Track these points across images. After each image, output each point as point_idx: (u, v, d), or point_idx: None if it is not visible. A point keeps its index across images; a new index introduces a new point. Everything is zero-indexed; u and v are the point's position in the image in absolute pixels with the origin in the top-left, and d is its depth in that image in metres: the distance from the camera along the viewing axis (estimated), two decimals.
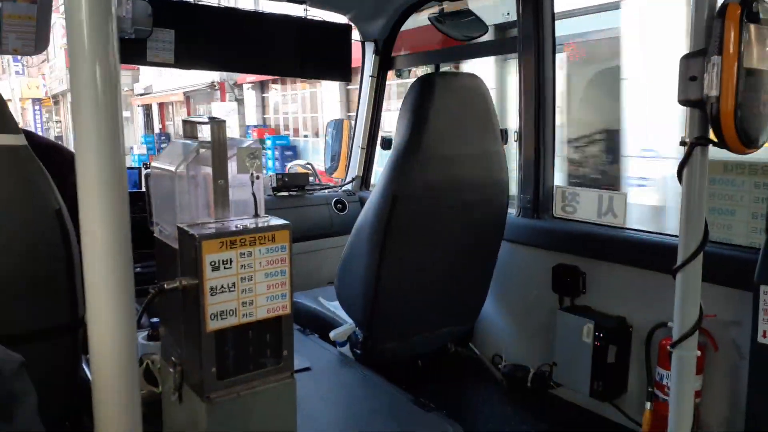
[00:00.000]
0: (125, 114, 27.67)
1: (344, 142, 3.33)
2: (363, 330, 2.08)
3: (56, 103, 33.47)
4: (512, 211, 2.46)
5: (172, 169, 1.16)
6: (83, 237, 0.76)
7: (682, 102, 1.07)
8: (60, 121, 33.61)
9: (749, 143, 1.02)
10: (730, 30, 0.98)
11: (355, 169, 3.32)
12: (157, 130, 27.45)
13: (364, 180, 3.31)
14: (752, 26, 1.00)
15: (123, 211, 0.75)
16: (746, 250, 1.76)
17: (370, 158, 3.30)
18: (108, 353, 0.76)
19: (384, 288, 1.98)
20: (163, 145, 21.97)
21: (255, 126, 19.21)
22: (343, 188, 3.31)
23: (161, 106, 27.78)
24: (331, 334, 2.11)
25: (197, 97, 23.38)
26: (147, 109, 29.47)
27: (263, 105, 20.87)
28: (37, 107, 34.22)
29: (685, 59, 1.05)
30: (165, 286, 1.13)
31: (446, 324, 2.32)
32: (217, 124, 1.15)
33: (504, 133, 2.26)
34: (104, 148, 0.72)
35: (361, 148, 3.27)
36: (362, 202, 3.03)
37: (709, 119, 1.03)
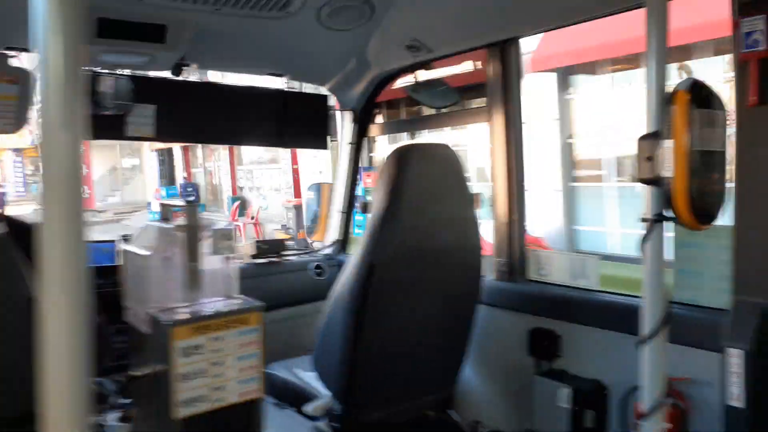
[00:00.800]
0: (133, 162, 24.93)
1: (324, 204, 3.36)
2: (341, 402, 2.05)
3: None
4: (488, 274, 2.48)
5: (145, 253, 1.18)
6: (44, 317, 0.75)
7: (641, 180, 1.12)
8: None
9: (703, 220, 1.07)
10: (679, 115, 1.04)
11: (334, 234, 3.34)
12: (181, 180, 23.37)
13: (343, 244, 3.33)
14: (699, 111, 1.06)
15: (84, 288, 0.75)
16: (716, 311, 1.79)
17: (348, 222, 3.33)
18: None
19: (362, 357, 1.97)
20: (190, 198, 19.95)
21: (366, 169, 16.44)
22: (323, 252, 3.32)
23: (186, 150, 23.46)
24: (307, 408, 2.08)
25: None
26: (164, 154, 24.79)
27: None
28: (18, 158, 27.76)
29: (642, 140, 1.11)
30: (135, 373, 1.13)
31: (426, 391, 2.30)
32: (191, 208, 1.18)
33: (477, 198, 2.31)
34: (68, 222, 0.73)
35: (341, 213, 3.30)
36: (341, 266, 3.03)
37: (665, 198, 1.07)
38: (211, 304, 1.17)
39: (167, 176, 24.37)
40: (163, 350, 1.07)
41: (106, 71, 2.22)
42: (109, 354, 1.51)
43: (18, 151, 27.71)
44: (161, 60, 2.24)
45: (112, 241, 2.47)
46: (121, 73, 2.27)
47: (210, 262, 1.21)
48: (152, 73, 2.42)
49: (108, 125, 2.25)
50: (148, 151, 24.84)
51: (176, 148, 23.00)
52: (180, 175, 23.67)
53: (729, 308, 1.65)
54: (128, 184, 22.83)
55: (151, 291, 1.18)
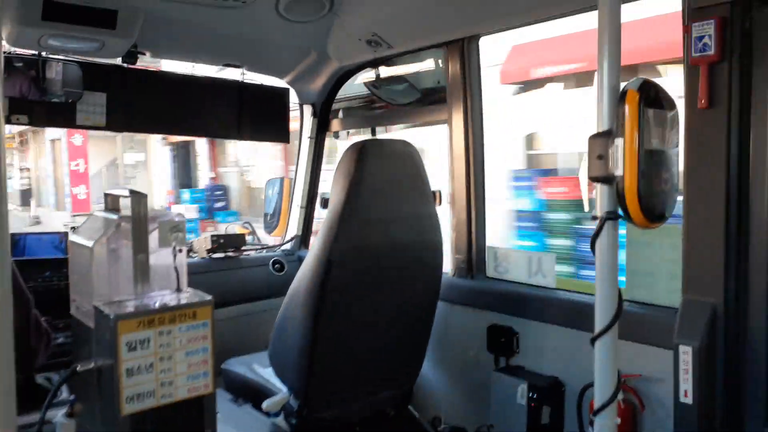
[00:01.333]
0: (137, 157, 20.38)
1: (284, 200, 3.32)
2: (298, 398, 2.03)
3: (23, 143, 25.71)
4: (447, 271, 2.49)
5: (89, 244, 1.13)
6: None
7: (592, 179, 1.13)
8: (28, 169, 25.46)
9: (653, 218, 1.08)
10: (630, 114, 1.05)
11: (294, 229, 3.31)
12: (207, 180, 19.10)
13: (304, 239, 3.30)
14: (650, 110, 1.07)
15: (4, 286, 0.71)
16: (667, 310, 1.83)
17: (309, 217, 3.30)
18: None
19: (319, 354, 1.95)
20: (218, 204, 16.87)
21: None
22: (282, 248, 3.28)
23: (212, 144, 18.78)
24: (264, 405, 2.05)
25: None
26: (178, 148, 20.21)
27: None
28: None
29: (593, 139, 1.12)
30: (78, 368, 1.08)
31: (385, 388, 2.30)
32: (138, 198, 1.14)
33: (437, 195, 2.31)
34: None
35: (301, 207, 3.27)
36: (301, 261, 3.00)
37: (616, 195, 1.09)
38: (159, 298, 1.13)
39: (182, 176, 20.20)
40: (108, 344, 1.04)
41: (54, 57, 2.14)
42: (47, 348, 1.45)
43: None
44: (112, 47, 2.18)
45: (64, 233, 2.39)
46: (70, 58, 2.19)
47: (158, 255, 1.17)
48: (103, 60, 2.34)
49: (58, 112, 2.18)
50: (158, 145, 20.37)
51: (200, 142, 18.65)
52: (205, 175, 19.47)
53: (679, 307, 1.69)
54: (130, 183, 17.95)
55: (97, 283, 1.14)
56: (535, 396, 2.09)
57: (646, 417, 1.87)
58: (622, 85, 1.11)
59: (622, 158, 1.05)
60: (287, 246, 3.29)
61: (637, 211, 1.05)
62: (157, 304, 1.10)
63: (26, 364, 1.38)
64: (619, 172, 1.06)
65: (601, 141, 1.09)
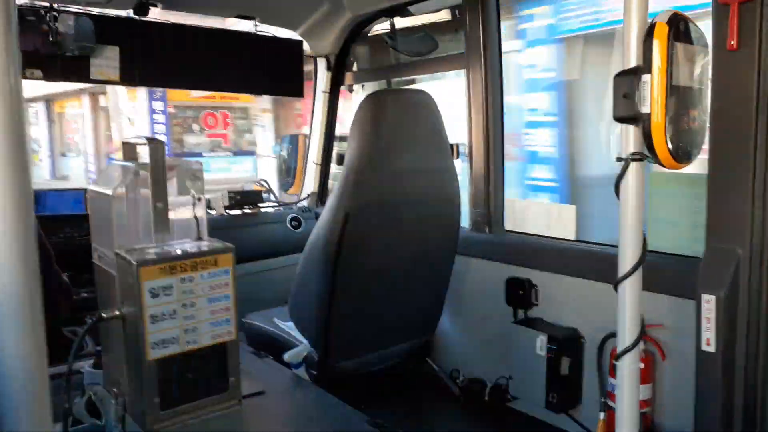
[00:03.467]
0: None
1: (299, 157, 3.31)
2: (318, 350, 2.05)
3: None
4: (465, 225, 2.48)
5: (109, 192, 1.13)
6: None
7: (617, 119, 1.10)
8: None
9: (680, 158, 1.05)
10: (658, 49, 1.01)
11: (310, 186, 3.30)
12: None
13: (320, 196, 3.30)
14: (680, 45, 1.03)
15: (29, 240, 0.71)
16: (689, 259, 1.81)
17: (325, 174, 3.28)
18: (15, 395, 0.72)
19: (338, 306, 1.97)
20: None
21: None
22: (299, 205, 3.28)
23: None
24: (285, 356, 2.08)
25: None
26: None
27: None
28: None
29: (618, 77, 1.08)
30: (103, 314, 1.09)
31: (403, 340, 2.32)
32: (155, 145, 1.13)
33: (455, 148, 2.28)
34: (7, 177, 0.68)
35: (316, 164, 3.26)
36: (318, 218, 3.00)
37: (642, 135, 1.06)
38: (180, 246, 1.13)
39: None
40: (131, 291, 1.04)
41: (66, 8, 2.12)
42: (67, 301, 1.47)
43: None
44: None
45: (84, 189, 2.41)
46: (82, 10, 2.16)
47: (178, 203, 1.17)
48: (116, 13, 2.31)
49: (71, 67, 2.17)
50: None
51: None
52: None
53: (702, 256, 1.66)
54: None
55: (117, 231, 1.13)
56: (554, 347, 2.10)
57: (667, 366, 1.87)
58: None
59: (649, 95, 1.02)
60: (303, 203, 3.29)
61: (664, 150, 1.02)
62: (178, 252, 1.10)
63: (48, 317, 1.40)
64: (645, 110, 1.02)
65: (627, 79, 1.06)
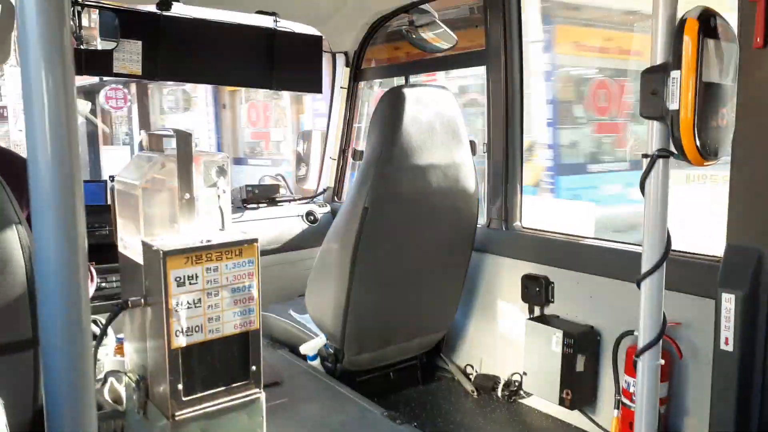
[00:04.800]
0: None
1: (317, 153, 3.32)
2: (334, 343, 2.06)
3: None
4: (482, 221, 2.48)
5: (137, 183, 1.14)
6: (36, 252, 0.73)
7: (644, 116, 1.09)
8: None
9: (708, 155, 1.05)
10: (688, 45, 1.01)
11: (326, 181, 3.31)
12: None
13: (336, 191, 3.31)
14: (710, 41, 1.03)
15: (78, 225, 0.72)
16: (710, 258, 1.80)
17: (342, 169, 3.29)
18: (61, 373, 0.73)
19: (355, 300, 1.98)
20: None
21: None
22: (315, 199, 3.30)
23: None
24: (301, 348, 2.09)
25: None
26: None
27: None
28: None
29: (646, 74, 1.08)
30: (128, 302, 1.11)
31: (418, 335, 2.32)
32: (183, 137, 1.14)
33: (473, 145, 2.28)
34: (58, 160, 0.70)
35: (333, 159, 3.27)
36: (334, 213, 3.01)
37: (670, 132, 1.05)
38: (205, 236, 1.14)
39: None
40: (157, 279, 1.05)
41: (90, 3, 2.14)
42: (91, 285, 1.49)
43: None
44: None
45: (104, 181, 2.43)
46: (106, 4, 2.19)
47: (203, 194, 1.18)
48: (139, 7, 2.33)
49: (95, 60, 2.19)
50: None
51: None
52: None
53: (722, 255, 1.65)
54: None
55: (144, 222, 1.15)
56: (569, 344, 2.09)
57: (684, 365, 1.86)
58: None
59: (678, 92, 1.01)
60: (320, 198, 3.30)
61: (691, 147, 1.02)
62: (204, 242, 1.11)
63: None
64: (674, 107, 1.02)
65: (656, 75, 1.05)
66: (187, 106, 14.24)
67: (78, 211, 0.72)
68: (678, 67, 1.01)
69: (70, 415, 0.74)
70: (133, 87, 13.93)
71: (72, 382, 0.73)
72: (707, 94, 1.02)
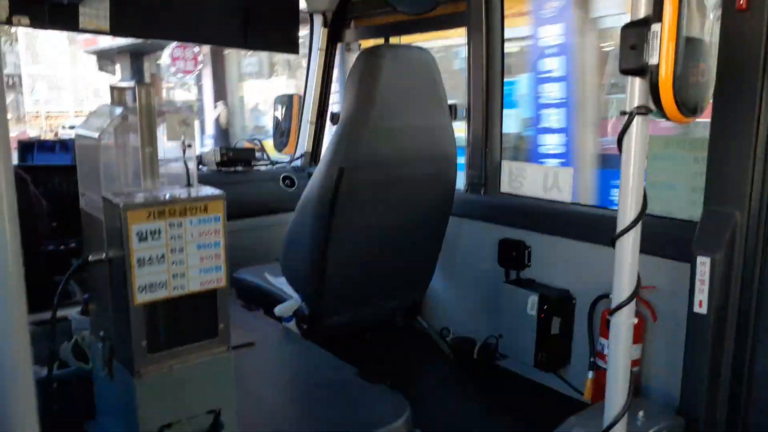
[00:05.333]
0: None
1: (294, 117, 3.25)
2: (309, 304, 2.05)
3: None
4: (461, 186, 2.46)
5: (95, 135, 1.09)
6: None
7: (623, 71, 1.07)
8: None
9: (687, 112, 1.03)
10: None
11: (304, 145, 3.26)
12: None
13: (314, 155, 3.26)
14: None
15: (6, 179, 0.68)
16: (686, 223, 1.80)
17: (319, 133, 3.24)
18: None
19: (330, 261, 1.95)
20: None
21: None
22: (293, 164, 3.25)
23: None
24: (276, 310, 2.07)
25: None
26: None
27: None
28: None
29: (626, 28, 1.05)
30: (89, 257, 1.07)
31: (394, 297, 2.31)
32: (144, 88, 1.09)
33: (453, 109, 2.24)
34: None
35: (311, 123, 3.21)
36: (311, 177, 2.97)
37: (649, 87, 1.03)
38: (169, 191, 1.10)
39: None
40: (118, 234, 1.02)
41: None
42: (43, 218, 1.45)
43: None
44: None
45: (72, 140, 2.36)
46: None
47: (167, 148, 1.14)
48: None
49: (59, 15, 2.09)
50: None
51: None
52: None
53: (699, 219, 1.65)
54: None
55: (105, 175, 1.11)
56: (545, 307, 2.10)
57: (657, 328, 1.88)
58: None
59: (658, 46, 0.98)
60: (297, 162, 3.25)
61: (670, 103, 1.00)
62: (167, 197, 1.07)
63: (32, 240, 1.39)
64: (654, 61, 0.99)
65: (636, 30, 1.02)
66: (273, 70, 11.74)
67: (6, 170, 0.68)
68: (659, 20, 0.98)
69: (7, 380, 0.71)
70: (206, 46, 10.29)
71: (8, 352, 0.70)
72: (688, 49, 1.00)
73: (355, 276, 2.07)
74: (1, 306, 0.71)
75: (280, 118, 3.31)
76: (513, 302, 2.20)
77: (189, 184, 1.16)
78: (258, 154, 3.21)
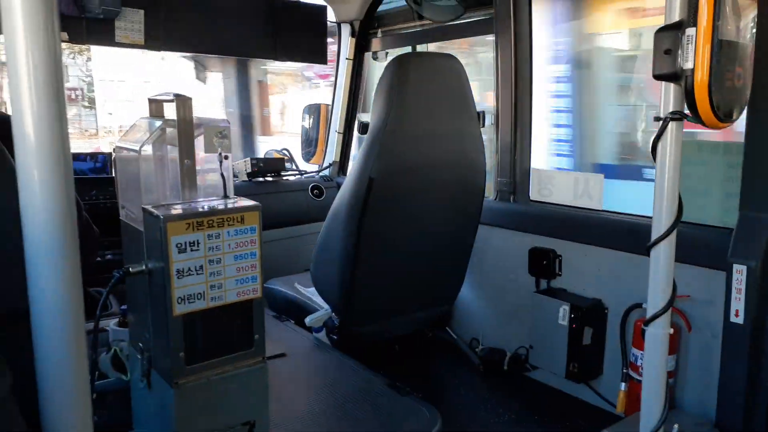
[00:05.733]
0: None
1: (321, 127, 3.28)
2: (339, 315, 2.05)
3: None
4: (489, 194, 2.45)
5: (136, 148, 1.12)
6: (24, 226, 0.72)
7: (657, 76, 1.06)
8: None
9: (723, 117, 1.01)
10: (704, 1, 0.97)
11: (332, 155, 3.28)
12: None
13: (342, 165, 3.28)
14: None
15: (67, 195, 0.71)
16: (720, 230, 1.77)
17: (347, 143, 3.26)
18: (52, 345, 0.72)
19: (360, 271, 1.96)
20: None
21: None
22: (321, 174, 3.27)
23: None
24: (307, 320, 2.09)
25: None
26: None
27: None
28: None
29: (660, 33, 1.04)
30: (130, 269, 1.10)
31: (423, 307, 2.31)
32: (183, 102, 1.11)
33: (481, 116, 2.24)
34: (45, 129, 0.68)
35: (338, 133, 3.23)
36: (339, 187, 2.99)
37: (684, 92, 1.02)
38: (207, 203, 1.12)
39: None
40: (158, 246, 1.04)
41: None
42: (96, 246, 1.48)
43: None
44: None
45: (108, 153, 2.42)
46: None
47: (205, 160, 1.16)
48: None
49: (96, 30, 2.16)
50: None
51: None
52: None
53: (734, 226, 1.62)
54: None
55: (145, 187, 1.13)
56: (577, 317, 2.08)
57: (693, 338, 1.84)
58: None
59: (693, 50, 0.97)
60: (326, 172, 3.28)
61: (706, 108, 0.98)
62: (205, 208, 1.09)
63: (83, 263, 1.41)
64: (689, 66, 0.98)
65: (670, 34, 1.01)
66: None
67: (67, 182, 0.70)
68: (694, 24, 0.97)
69: (62, 389, 0.73)
70: None
71: (65, 355, 0.73)
72: (724, 53, 0.98)
73: (385, 286, 2.08)
74: (62, 319, 0.73)
75: (308, 127, 3.35)
76: (544, 312, 2.17)
77: (225, 195, 1.18)
78: (287, 164, 3.24)
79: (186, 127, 1.12)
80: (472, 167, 2.13)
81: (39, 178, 0.68)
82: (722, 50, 0.98)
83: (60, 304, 0.73)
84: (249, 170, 2.90)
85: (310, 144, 3.35)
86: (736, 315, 1.58)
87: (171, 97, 1.15)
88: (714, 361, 1.66)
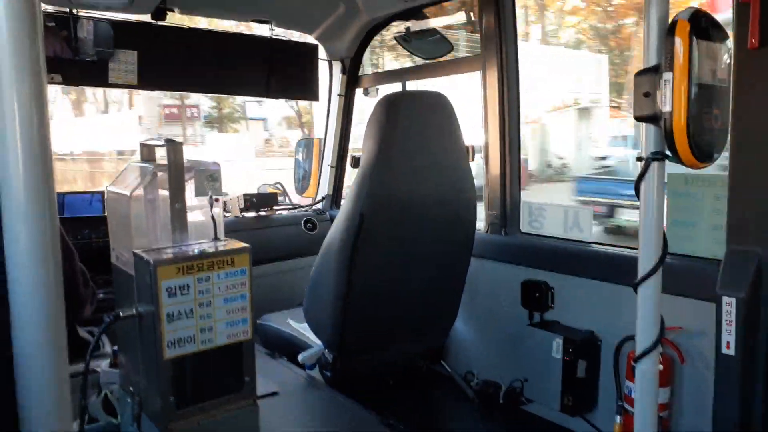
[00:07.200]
0: None
1: (315, 161, 3.32)
2: (332, 351, 2.05)
3: None
4: (481, 227, 2.47)
5: (127, 193, 1.14)
6: (9, 272, 0.72)
7: (638, 118, 1.08)
8: None
9: (702, 157, 1.04)
10: (679, 46, 1.00)
11: (325, 189, 3.30)
12: None
13: (335, 199, 3.30)
14: (702, 42, 1.02)
15: (52, 241, 0.72)
16: (709, 261, 1.78)
17: (339, 177, 3.29)
18: (36, 390, 0.72)
19: (353, 307, 1.96)
20: None
21: None
22: (314, 208, 3.29)
23: None
24: (300, 357, 2.08)
25: None
26: None
27: None
28: None
29: (639, 76, 1.07)
30: (120, 313, 1.10)
31: (417, 342, 2.31)
32: (173, 147, 1.13)
33: (470, 150, 2.27)
34: (30, 170, 0.69)
35: (331, 167, 3.26)
36: (333, 221, 3.01)
37: (663, 134, 1.04)
38: (197, 246, 1.13)
39: None
40: (148, 290, 1.05)
41: (86, 14, 2.14)
42: (93, 299, 1.48)
43: None
44: (142, 2, 2.17)
45: (101, 192, 2.43)
46: (101, 16, 2.19)
47: (195, 204, 1.17)
48: (134, 18, 2.34)
49: (90, 71, 2.19)
50: None
51: None
52: None
53: (722, 258, 1.64)
54: None
55: (135, 232, 1.14)
56: (570, 350, 2.08)
57: (686, 370, 1.84)
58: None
59: (670, 94, 1.00)
60: (318, 206, 3.30)
61: (685, 149, 1.01)
62: (195, 251, 1.10)
63: (74, 315, 1.41)
64: (667, 109, 1.01)
65: (648, 77, 1.04)
66: None
67: (52, 226, 0.71)
68: (670, 68, 1.00)
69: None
70: None
71: (48, 401, 0.73)
72: (700, 96, 1.01)
73: (378, 321, 2.08)
74: (45, 361, 0.73)
75: (301, 160, 3.38)
76: (537, 345, 2.17)
77: (216, 238, 1.19)
78: (280, 198, 3.26)
79: (177, 171, 1.14)
80: (463, 201, 2.16)
81: (26, 236, 0.69)
82: (699, 92, 1.01)
83: (42, 352, 0.74)
84: (242, 206, 2.92)
85: (304, 177, 3.38)
86: (727, 347, 1.58)
87: (162, 143, 1.17)
88: (708, 392, 1.66)
